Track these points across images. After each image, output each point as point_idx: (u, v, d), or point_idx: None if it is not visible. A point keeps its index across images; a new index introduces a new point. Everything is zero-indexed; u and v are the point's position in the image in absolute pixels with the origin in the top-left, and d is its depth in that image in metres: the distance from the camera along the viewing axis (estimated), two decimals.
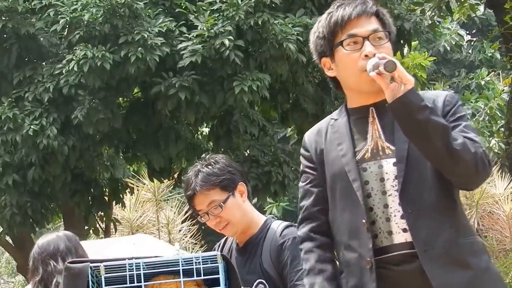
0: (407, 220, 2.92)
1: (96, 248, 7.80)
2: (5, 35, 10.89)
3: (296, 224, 3.30)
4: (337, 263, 3.10)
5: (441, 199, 2.93)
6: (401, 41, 11.90)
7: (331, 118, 3.15)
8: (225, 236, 3.84)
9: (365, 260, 2.93)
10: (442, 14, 12.08)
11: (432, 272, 2.86)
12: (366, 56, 2.96)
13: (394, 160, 2.96)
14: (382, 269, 2.94)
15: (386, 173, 2.96)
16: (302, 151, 3.20)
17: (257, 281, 3.56)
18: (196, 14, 10.52)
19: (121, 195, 12.91)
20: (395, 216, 2.95)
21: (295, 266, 3.50)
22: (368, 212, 2.98)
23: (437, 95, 3.02)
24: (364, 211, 2.95)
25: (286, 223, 3.71)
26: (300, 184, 3.20)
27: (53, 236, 4.24)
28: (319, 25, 3.13)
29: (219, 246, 3.84)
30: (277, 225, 3.68)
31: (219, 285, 3.17)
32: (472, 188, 3.03)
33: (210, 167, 3.66)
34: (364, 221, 2.95)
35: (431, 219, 2.91)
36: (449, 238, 2.90)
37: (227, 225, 3.65)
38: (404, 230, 2.93)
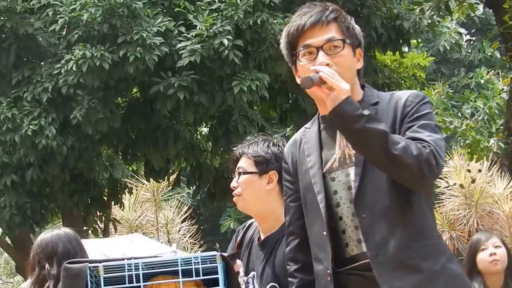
0: (360, 224, 2.91)
1: (94, 247, 7.82)
2: (3, 35, 10.90)
3: None
4: None
5: (395, 203, 2.91)
6: (401, 40, 11.90)
7: (305, 127, 3.16)
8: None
9: (326, 272, 2.95)
10: (441, 13, 12.07)
11: (382, 277, 2.86)
12: None
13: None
14: (357, 277, 2.95)
15: (353, 181, 2.95)
16: (282, 163, 3.22)
17: (270, 284, 3.55)
18: (195, 14, 10.52)
19: (120, 195, 12.91)
20: None
21: None
22: (338, 221, 2.98)
23: (400, 96, 3.01)
24: (325, 223, 2.95)
25: None
26: (284, 197, 3.22)
27: (53, 234, 4.15)
28: (283, 35, 3.12)
29: (243, 228, 3.89)
30: None
31: (218, 285, 3.16)
32: (421, 190, 2.96)
33: (264, 142, 3.76)
34: (325, 233, 2.95)
35: (384, 223, 2.89)
36: (400, 243, 2.88)
37: (238, 197, 3.72)
38: None
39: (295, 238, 3.12)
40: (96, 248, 7.47)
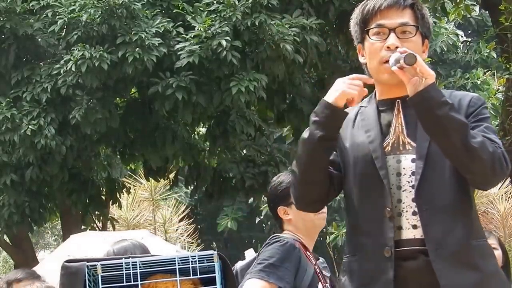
0: (421, 217, 2.93)
1: (104, 240, 7.85)
2: (3, 36, 10.92)
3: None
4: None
5: (457, 199, 2.94)
6: None
7: (360, 106, 3.15)
8: None
9: (385, 249, 2.93)
10: (437, 15, 12.11)
11: (441, 272, 2.87)
12: (388, 48, 2.99)
13: (413, 156, 2.98)
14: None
15: (404, 168, 2.97)
16: None
17: None
18: (193, 15, 10.55)
19: (117, 195, 12.95)
20: (407, 212, 2.96)
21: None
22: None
23: (464, 95, 3.05)
24: (389, 199, 2.95)
25: None
26: None
27: (128, 243, 4.10)
28: (356, 12, 3.15)
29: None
30: None
31: (215, 284, 3.21)
32: (487, 188, 3.03)
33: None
34: (389, 209, 2.95)
35: (445, 218, 2.92)
36: (461, 239, 2.91)
37: None
38: (414, 227, 2.95)
39: None
40: (108, 242, 7.46)
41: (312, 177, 3.02)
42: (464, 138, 2.83)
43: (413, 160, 2.98)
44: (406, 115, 3.02)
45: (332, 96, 2.96)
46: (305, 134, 2.99)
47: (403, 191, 2.98)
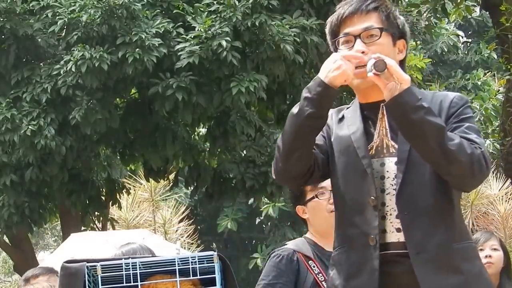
0: (401, 221, 2.93)
1: (105, 240, 7.84)
2: (3, 36, 10.92)
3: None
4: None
5: (438, 203, 2.93)
6: None
7: (346, 107, 3.17)
8: None
9: (369, 237, 2.93)
10: (438, 15, 12.13)
11: (423, 276, 2.87)
12: None
13: (396, 159, 2.98)
14: None
15: (387, 171, 2.97)
16: None
17: None
18: (193, 15, 10.55)
19: (117, 195, 12.95)
20: (390, 215, 2.96)
21: None
22: None
23: (445, 96, 3.04)
24: (373, 188, 2.95)
25: None
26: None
27: (137, 246, 4.09)
28: (326, 26, 3.16)
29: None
30: None
31: (215, 285, 3.20)
32: (468, 190, 3.03)
33: None
34: (373, 197, 2.94)
35: (426, 222, 2.91)
36: (443, 243, 2.91)
37: None
38: (398, 230, 2.94)
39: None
40: (109, 241, 7.46)
41: (295, 152, 2.97)
42: (441, 141, 2.82)
43: (396, 163, 2.98)
44: (390, 118, 3.02)
45: (330, 74, 2.92)
46: (295, 109, 2.96)
47: (386, 194, 2.97)
